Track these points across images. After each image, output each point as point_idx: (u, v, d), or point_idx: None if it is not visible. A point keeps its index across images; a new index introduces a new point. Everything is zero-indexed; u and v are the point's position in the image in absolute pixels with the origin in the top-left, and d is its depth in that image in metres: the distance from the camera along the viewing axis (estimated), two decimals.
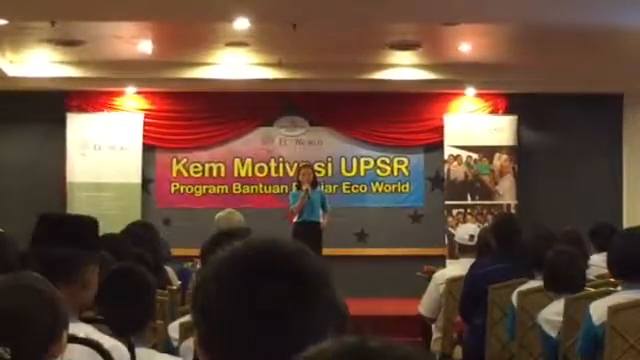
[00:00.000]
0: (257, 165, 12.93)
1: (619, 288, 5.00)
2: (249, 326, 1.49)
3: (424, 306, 7.32)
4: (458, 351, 6.96)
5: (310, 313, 1.51)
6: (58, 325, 2.29)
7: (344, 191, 12.91)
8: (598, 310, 4.69)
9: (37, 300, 2.26)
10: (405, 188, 13.00)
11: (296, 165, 12.34)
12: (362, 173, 13.00)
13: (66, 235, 3.10)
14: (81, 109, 12.63)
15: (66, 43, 10.48)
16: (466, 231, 7.49)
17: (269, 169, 12.93)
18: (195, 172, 12.90)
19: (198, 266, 6.78)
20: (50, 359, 2.27)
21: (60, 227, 3.17)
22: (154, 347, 3.88)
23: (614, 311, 4.62)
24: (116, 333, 3.02)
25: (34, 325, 2.22)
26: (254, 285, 1.50)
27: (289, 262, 1.53)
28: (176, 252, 8.56)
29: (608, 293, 4.91)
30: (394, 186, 13.00)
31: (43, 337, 2.24)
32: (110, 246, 4.71)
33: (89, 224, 3.28)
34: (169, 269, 6.51)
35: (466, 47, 10.68)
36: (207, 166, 12.91)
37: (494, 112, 12.95)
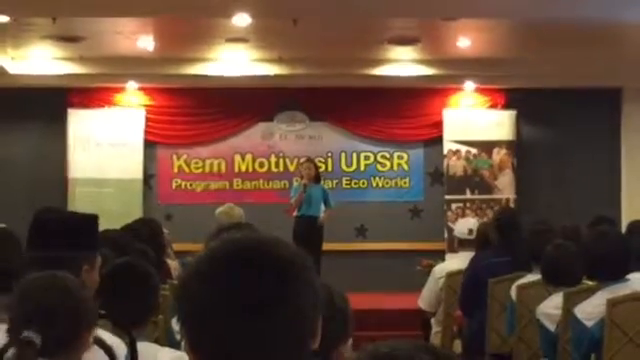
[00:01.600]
0: (257, 160, 12.96)
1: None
2: (234, 322, 1.49)
3: (424, 300, 7.36)
4: (457, 345, 7.00)
5: (295, 300, 1.51)
6: (83, 324, 2.39)
7: (344, 186, 12.94)
8: (587, 312, 4.70)
9: (70, 299, 2.37)
10: (405, 183, 13.03)
11: (296, 160, 12.38)
12: (362, 168, 13.03)
13: (60, 237, 3.13)
14: (82, 105, 12.65)
15: (67, 39, 10.51)
16: (465, 225, 7.53)
17: (269, 164, 12.96)
18: (196, 168, 12.93)
19: None
20: (74, 353, 2.37)
21: (54, 229, 3.19)
22: (156, 341, 3.91)
23: (612, 305, 4.64)
24: (118, 327, 3.06)
25: (62, 321, 2.32)
26: (236, 280, 1.50)
27: (266, 254, 1.54)
28: (177, 247, 8.59)
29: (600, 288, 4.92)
30: (394, 181, 13.03)
31: (68, 334, 2.34)
32: (112, 242, 4.75)
33: (84, 223, 3.29)
34: (172, 263, 6.54)
35: (465, 42, 10.69)
36: (208, 162, 12.94)
37: (493, 107, 12.97)
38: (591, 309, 4.68)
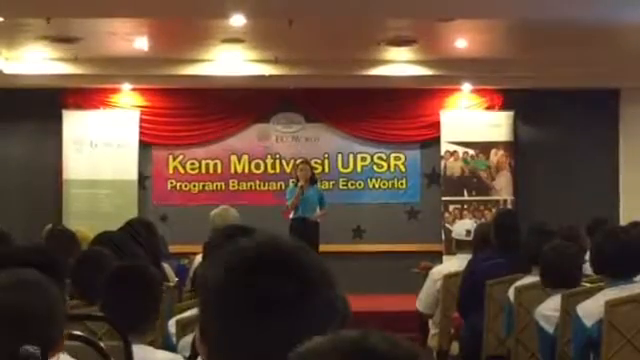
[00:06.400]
0: (253, 162, 12.92)
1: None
2: (249, 320, 1.50)
3: (421, 302, 7.32)
4: (455, 347, 6.97)
5: (308, 311, 1.51)
6: (62, 322, 2.27)
7: (341, 187, 12.91)
8: (588, 311, 4.67)
9: (49, 296, 2.24)
10: (402, 184, 13.00)
11: (292, 162, 12.35)
12: (359, 169, 13.00)
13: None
14: (77, 106, 12.61)
15: (62, 40, 10.46)
16: (463, 227, 7.50)
17: (265, 166, 12.93)
18: (191, 169, 12.89)
19: (195, 263, 6.78)
20: (55, 355, 2.25)
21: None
22: (151, 343, 3.87)
23: (611, 306, 4.61)
24: (117, 330, 3.01)
25: (49, 321, 2.20)
26: (255, 281, 1.51)
27: (290, 260, 1.54)
28: (172, 249, 8.57)
29: (602, 289, 4.90)
30: (391, 182, 13.00)
31: (54, 333, 2.22)
32: (109, 243, 4.73)
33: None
34: (166, 266, 6.51)
35: (462, 43, 10.67)
36: (203, 163, 12.91)
37: (490, 108, 12.95)
38: (593, 308, 4.65)
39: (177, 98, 12.79)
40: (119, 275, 3.66)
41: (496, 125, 12.82)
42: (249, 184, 12.90)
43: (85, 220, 10.89)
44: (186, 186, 12.86)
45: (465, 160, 12.79)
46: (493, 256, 6.47)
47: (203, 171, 12.91)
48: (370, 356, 1.16)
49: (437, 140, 12.84)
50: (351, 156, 12.99)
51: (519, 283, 5.86)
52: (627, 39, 10.19)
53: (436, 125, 12.82)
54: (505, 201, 12.63)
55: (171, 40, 10.69)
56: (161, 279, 3.84)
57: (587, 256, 5.87)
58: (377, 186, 12.99)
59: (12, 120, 12.58)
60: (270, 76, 11.74)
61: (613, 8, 8.82)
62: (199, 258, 6.10)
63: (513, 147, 12.83)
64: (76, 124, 12.53)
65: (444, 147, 12.79)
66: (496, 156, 12.78)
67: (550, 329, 5.12)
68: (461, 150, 12.79)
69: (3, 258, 3.41)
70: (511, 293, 5.83)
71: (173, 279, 6.40)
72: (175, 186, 12.86)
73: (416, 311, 7.48)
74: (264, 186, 12.88)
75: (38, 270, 2.47)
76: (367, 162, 13.01)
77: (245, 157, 12.93)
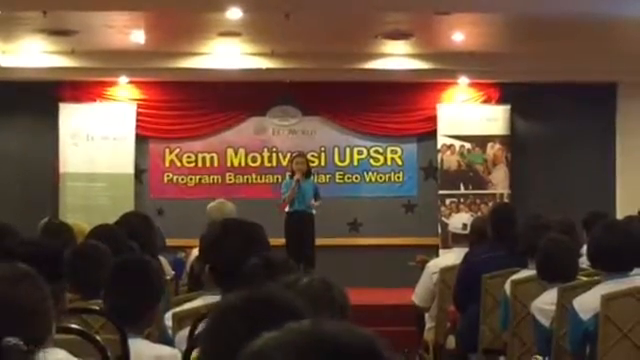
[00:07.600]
0: (250, 155, 12.91)
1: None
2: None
3: (418, 296, 7.32)
4: (451, 340, 6.96)
5: None
6: (51, 317, 2.27)
7: (337, 181, 12.91)
8: (584, 305, 4.67)
9: (40, 291, 2.25)
10: (398, 178, 13.00)
11: (289, 155, 12.34)
12: (355, 163, 12.99)
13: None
14: (74, 99, 12.59)
15: (58, 33, 10.46)
16: (459, 220, 7.51)
17: (262, 159, 12.92)
18: (188, 162, 12.88)
19: (192, 256, 6.78)
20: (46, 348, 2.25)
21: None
22: (147, 337, 3.88)
23: (607, 300, 4.61)
24: (114, 323, 3.01)
25: (39, 315, 2.20)
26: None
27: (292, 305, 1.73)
28: (169, 242, 8.56)
29: (599, 282, 4.90)
30: (387, 176, 13.00)
31: (47, 326, 2.23)
32: (105, 237, 4.72)
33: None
34: (163, 259, 6.50)
35: (459, 36, 10.67)
36: (200, 156, 12.90)
37: (487, 101, 12.95)
38: (589, 302, 4.65)
39: (174, 91, 12.77)
40: (121, 268, 3.66)
41: (493, 119, 12.82)
42: (246, 177, 12.89)
43: (81, 213, 10.90)
44: (183, 179, 12.85)
45: (462, 154, 12.79)
46: (489, 250, 6.47)
47: (200, 164, 12.90)
48: (325, 346, 1.14)
49: (434, 134, 12.84)
50: (348, 149, 12.99)
51: (515, 277, 5.86)
52: (624, 33, 10.19)
53: (433, 119, 12.82)
54: (501, 195, 12.64)
55: (168, 33, 10.69)
56: (161, 271, 3.83)
57: (583, 250, 5.89)
58: (374, 179, 12.99)
59: (8, 113, 12.56)
60: (267, 69, 11.74)
61: (610, 2, 8.83)
62: (195, 252, 6.10)
63: (510, 141, 12.83)
64: (73, 117, 12.51)
65: (441, 141, 12.79)
66: (493, 150, 12.78)
67: (546, 323, 5.13)
68: (458, 144, 12.79)
69: (6, 252, 3.41)
70: (507, 287, 5.83)
71: (169, 273, 6.40)
72: (172, 179, 12.85)
73: (412, 305, 7.49)
74: (261, 179, 12.88)
75: (38, 264, 2.47)
76: (364, 155, 13.01)
77: (242, 150, 12.92)
